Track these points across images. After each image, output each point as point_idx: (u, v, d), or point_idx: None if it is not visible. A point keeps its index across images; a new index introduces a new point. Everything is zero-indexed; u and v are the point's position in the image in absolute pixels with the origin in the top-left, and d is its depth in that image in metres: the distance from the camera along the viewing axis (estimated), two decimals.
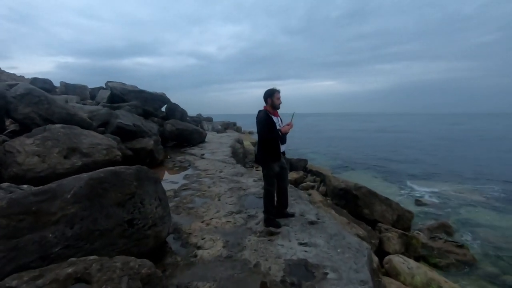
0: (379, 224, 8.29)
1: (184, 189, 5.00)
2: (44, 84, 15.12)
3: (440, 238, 8.71)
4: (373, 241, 7.03)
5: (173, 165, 7.09)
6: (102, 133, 7.30)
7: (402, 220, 9.05)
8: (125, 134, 7.29)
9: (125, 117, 7.69)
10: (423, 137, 40.99)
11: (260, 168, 3.82)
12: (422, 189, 13.82)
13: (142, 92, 15.14)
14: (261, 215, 3.56)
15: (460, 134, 47.01)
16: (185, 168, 6.70)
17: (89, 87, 17.12)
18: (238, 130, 22.83)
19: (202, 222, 3.53)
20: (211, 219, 3.62)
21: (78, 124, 6.22)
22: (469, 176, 16.43)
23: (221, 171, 6.20)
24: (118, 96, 14.13)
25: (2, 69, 19.75)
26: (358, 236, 5.72)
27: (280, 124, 3.43)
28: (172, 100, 16.20)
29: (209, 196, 4.54)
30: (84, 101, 14.01)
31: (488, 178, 16.05)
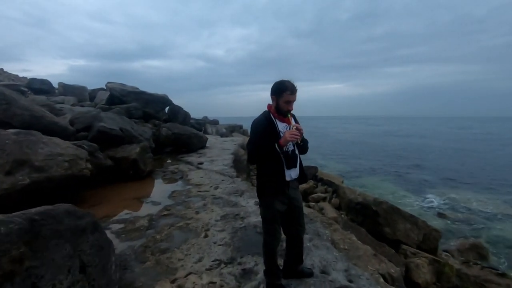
0: (404, 247, 6.90)
1: (165, 214, 3.72)
2: (42, 85, 14.14)
3: (476, 264, 7.25)
4: (398, 268, 5.67)
5: (163, 176, 5.83)
6: (84, 138, 6.12)
7: (429, 240, 7.61)
8: (109, 139, 6.09)
9: (111, 120, 6.49)
10: (434, 142, 39.07)
11: None
12: (442, 200, 12.28)
13: (142, 93, 14.01)
14: (262, 271, 2.27)
15: (472, 138, 44.84)
16: (176, 181, 5.45)
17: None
18: (245, 133, 21.63)
19: (173, 282, 2.25)
20: (188, 275, 2.34)
21: (46, 128, 5.03)
22: (489, 184, 14.80)
23: (216, 187, 4.91)
24: (117, 97, 13.03)
25: (5, 70, 18.96)
26: (390, 276, 4.37)
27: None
28: (180, 103, 15.05)
29: (194, 228, 3.25)
30: (82, 103, 12.94)
31: (510, 186, 14.41)
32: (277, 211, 2.01)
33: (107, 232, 3.25)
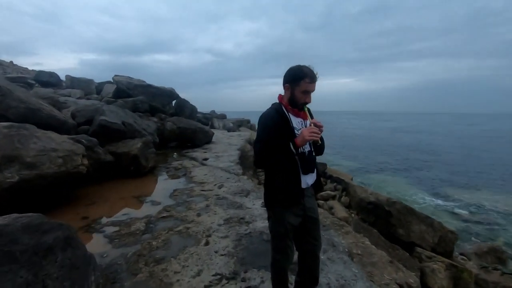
0: (418, 250, 6.47)
1: (164, 216, 3.40)
2: (50, 78, 13.99)
3: (496, 269, 6.78)
4: (413, 273, 5.27)
5: (166, 173, 5.52)
6: (85, 132, 5.84)
7: (444, 243, 7.16)
8: (110, 134, 5.79)
9: (113, 114, 6.18)
10: (444, 139, 38.03)
11: None
12: (454, 198, 11.73)
13: (149, 87, 13.73)
14: None
15: (483, 135, 43.52)
16: (178, 178, 5.13)
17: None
18: (252, 128, 21.26)
19: None
20: None
21: (43, 122, 4.75)
22: (501, 183, 14.13)
23: (221, 186, 4.57)
24: (124, 91, 12.78)
25: (14, 63, 18.92)
26: (408, 286, 3.98)
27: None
28: (188, 97, 14.79)
29: (194, 234, 2.92)
30: (89, 96, 12.73)
31: None
32: (289, 224, 1.63)
33: (100, 236, 2.95)
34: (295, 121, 1.67)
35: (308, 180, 1.69)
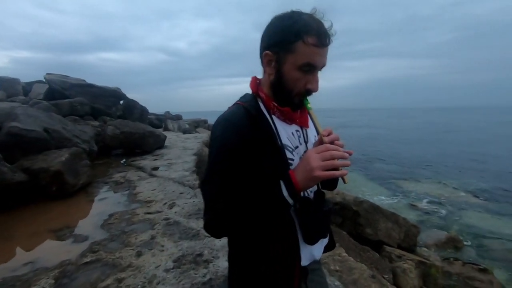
0: (388, 249, 6.19)
1: (87, 262, 2.37)
2: None
3: (456, 259, 6.78)
4: (385, 276, 4.89)
5: (104, 190, 4.35)
6: None
7: (408, 238, 7.04)
8: (26, 144, 4.41)
9: (30, 119, 4.79)
10: (384, 132, 40.60)
11: None
12: (408, 191, 12.04)
13: (89, 86, 11.89)
14: None
15: (419, 127, 47.57)
16: (118, 197, 4.02)
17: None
18: (209, 128, 20.13)
19: None
20: None
21: None
22: (446, 172, 15.08)
23: (172, 205, 3.59)
24: (58, 91, 10.87)
25: None
26: None
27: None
28: (141, 98, 13.19)
29: None
30: (13, 98, 10.54)
31: (463, 173, 14.79)
32: None
33: None
34: (287, 133, 0.85)
35: (315, 251, 0.89)
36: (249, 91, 0.87)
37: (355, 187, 11.88)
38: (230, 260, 0.89)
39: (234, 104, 0.85)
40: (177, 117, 21.24)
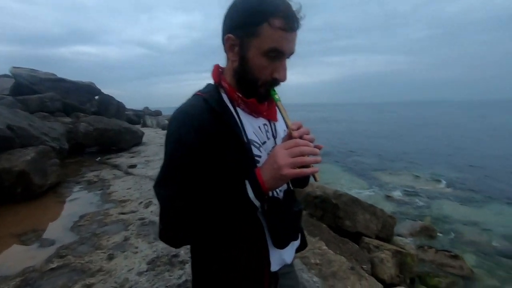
0: (366, 240, 6.34)
1: (53, 268, 2.22)
2: None
3: (430, 247, 7.08)
4: (364, 266, 5.00)
5: (75, 190, 4.13)
6: None
7: (385, 228, 7.26)
8: None
9: None
10: (362, 126, 41.65)
11: None
12: (387, 182, 12.43)
13: (60, 81, 11.28)
14: None
15: (395, 121, 49.19)
16: (91, 197, 3.82)
17: None
18: None
19: None
20: None
21: None
22: (420, 164, 15.65)
23: (148, 204, 3.46)
24: (26, 86, 10.22)
25: None
26: None
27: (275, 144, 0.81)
28: (119, 93, 12.69)
29: None
30: None
31: (436, 165, 15.42)
32: None
33: None
34: (253, 127, 0.77)
35: (286, 255, 0.83)
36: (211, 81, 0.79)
37: (335, 180, 12.10)
38: (193, 269, 0.81)
39: (192, 95, 0.76)
40: (156, 113, 20.69)
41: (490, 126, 34.12)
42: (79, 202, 3.70)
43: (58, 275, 2.13)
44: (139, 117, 15.09)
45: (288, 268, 0.87)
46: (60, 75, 11.80)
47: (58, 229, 2.90)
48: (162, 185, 0.69)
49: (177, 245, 0.74)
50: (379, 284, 3.82)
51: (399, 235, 8.06)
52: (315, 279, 2.25)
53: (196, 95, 0.75)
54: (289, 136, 0.71)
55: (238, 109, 0.75)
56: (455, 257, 6.49)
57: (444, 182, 12.12)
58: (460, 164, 15.17)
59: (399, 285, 4.89)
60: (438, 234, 7.91)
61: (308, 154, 0.63)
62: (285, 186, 0.80)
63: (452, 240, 7.65)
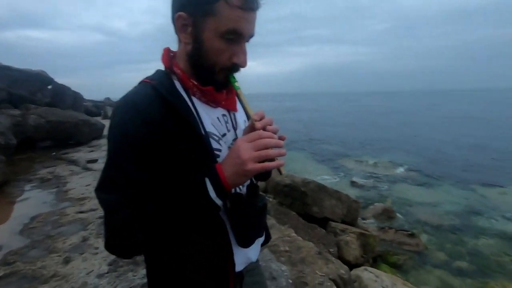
0: (332, 225, 6.62)
1: (0, 276, 2.00)
2: None
3: (390, 228, 7.59)
4: (331, 249, 5.24)
5: (26, 189, 3.77)
6: None
7: (350, 213, 7.64)
8: None
9: None
10: (332, 115, 43.09)
11: None
12: (351, 168, 13.02)
13: (6, 69, 10.13)
14: None
15: (359, 110, 51.45)
16: (44, 196, 3.51)
17: None
18: None
19: None
20: None
21: None
22: (382, 151, 16.59)
23: None
24: None
25: None
26: (342, 279, 3.68)
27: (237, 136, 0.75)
28: (75, 83, 11.67)
29: None
30: None
31: (396, 151, 16.45)
32: None
33: None
34: (211, 118, 0.70)
35: (251, 253, 0.78)
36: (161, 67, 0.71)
37: (302, 168, 12.41)
38: (149, 276, 0.74)
39: (139, 83, 0.67)
40: None
41: (442, 114, 37.01)
42: (30, 202, 3.38)
43: (5, 284, 1.93)
44: (99, 108, 14.16)
45: (253, 265, 0.84)
46: (5, 62, 10.57)
47: (5, 233, 2.62)
48: (105, 187, 0.60)
49: (126, 256, 0.66)
50: (345, 266, 4.00)
51: (363, 218, 8.54)
52: (283, 267, 2.27)
53: (143, 82, 0.66)
54: (251, 128, 0.66)
55: (193, 98, 0.68)
56: (412, 235, 7.00)
57: (402, 166, 12.98)
58: (417, 149, 16.30)
59: (362, 264, 5.14)
60: (397, 215, 8.48)
61: (273, 147, 0.59)
62: (248, 182, 0.75)
63: (409, 220, 8.25)
